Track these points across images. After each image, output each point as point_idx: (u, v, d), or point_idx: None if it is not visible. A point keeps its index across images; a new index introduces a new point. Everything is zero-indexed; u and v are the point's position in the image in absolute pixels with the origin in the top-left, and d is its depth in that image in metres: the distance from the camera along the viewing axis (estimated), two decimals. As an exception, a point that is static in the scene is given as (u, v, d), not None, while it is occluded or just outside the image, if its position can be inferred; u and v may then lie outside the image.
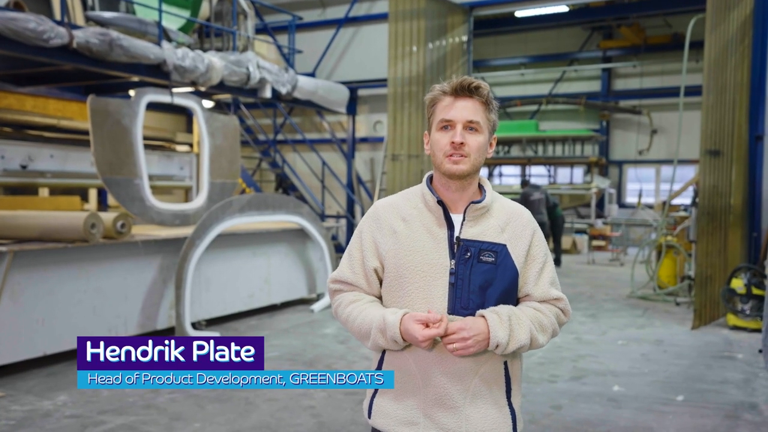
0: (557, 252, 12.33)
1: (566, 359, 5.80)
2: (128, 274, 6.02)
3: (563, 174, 18.38)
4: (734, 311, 6.91)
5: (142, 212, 6.89)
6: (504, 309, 1.76)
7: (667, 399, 4.75)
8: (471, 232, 1.78)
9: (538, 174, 18.67)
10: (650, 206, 16.26)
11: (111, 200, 9.59)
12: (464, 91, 1.76)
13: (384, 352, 1.83)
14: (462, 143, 1.74)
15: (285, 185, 12.33)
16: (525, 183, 12.66)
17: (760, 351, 5.92)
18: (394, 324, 1.72)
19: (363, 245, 1.86)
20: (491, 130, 1.81)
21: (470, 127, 1.76)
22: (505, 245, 1.79)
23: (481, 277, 1.76)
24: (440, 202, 1.81)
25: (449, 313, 1.76)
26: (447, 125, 1.77)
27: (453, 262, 1.76)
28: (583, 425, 4.23)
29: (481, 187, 1.87)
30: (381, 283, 1.87)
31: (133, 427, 4.12)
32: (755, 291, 6.76)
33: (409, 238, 1.80)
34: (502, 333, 1.71)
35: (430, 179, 1.87)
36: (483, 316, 1.73)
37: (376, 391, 1.86)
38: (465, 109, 1.76)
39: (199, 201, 7.76)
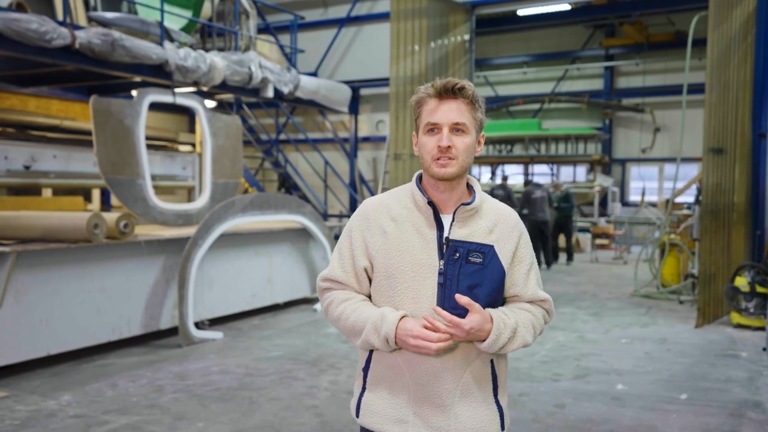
0: (569, 250, 12.48)
1: (570, 358, 5.80)
2: (131, 274, 6.03)
3: (566, 172, 18.37)
4: (738, 309, 6.89)
5: (145, 212, 6.90)
6: (511, 320, 1.76)
7: (671, 397, 4.74)
8: (460, 233, 1.79)
9: (540, 173, 18.65)
10: (653, 204, 16.25)
11: (114, 200, 9.61)
12: (449, 92, 1.75)
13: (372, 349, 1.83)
14: (449, 147, 1.74)
15: (287, 185, 12.34)
16: (528, 182, 12.74)
17: (764, 349, 5.91)
18: (392, 322, 1.71)
19: (353, 244, 1.86)
20: (478, 129, 1.81)
21: (457, 128, 1.75)
22: (492, 246, 1.80)
23: (470, 278, 1.76)
24: (430, 203, 1.81)
25: None
26: (433, 128, 1.76)
27: (442, 262, 1.76)
28: (586, 424, 4.23)
29: (469, 186, 1.87)
30: (371, 282, 1.87)
31: (137, 426, 4.13)
32: (759, 289, 6.74)
33: (399, 238, 1.80)
34: (500, 342, 1.72)
35: (419, 179, 1.87)
36: (491, 319, 1.72)
37: (363, 389, 1.86)
38: (450, 111, 1.75)
39: (201, 201, 7.77)
